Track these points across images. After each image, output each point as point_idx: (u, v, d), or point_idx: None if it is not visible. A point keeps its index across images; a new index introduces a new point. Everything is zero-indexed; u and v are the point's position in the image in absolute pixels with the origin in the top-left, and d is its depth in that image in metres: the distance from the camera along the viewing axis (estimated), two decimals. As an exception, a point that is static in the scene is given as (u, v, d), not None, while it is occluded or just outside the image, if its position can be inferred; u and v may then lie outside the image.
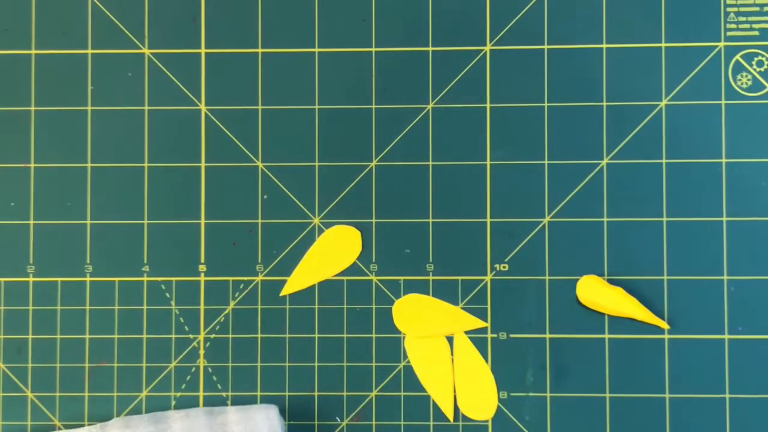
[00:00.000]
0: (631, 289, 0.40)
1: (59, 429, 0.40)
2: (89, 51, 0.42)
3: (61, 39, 0.42)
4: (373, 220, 0.41)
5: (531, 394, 0.40)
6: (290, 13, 0.41)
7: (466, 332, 0.40)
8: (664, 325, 0.39)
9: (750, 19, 0.41)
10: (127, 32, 0.42)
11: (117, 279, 0.41)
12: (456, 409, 0.40)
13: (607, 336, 0.40)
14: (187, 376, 0.41)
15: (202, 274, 0.41)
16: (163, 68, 0.41)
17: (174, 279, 0.41)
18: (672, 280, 0.40)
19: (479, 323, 0.40)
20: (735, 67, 0.41)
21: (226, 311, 0.41)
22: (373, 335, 0.41)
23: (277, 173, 0.41)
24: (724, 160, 0.40)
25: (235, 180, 0.41)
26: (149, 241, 0.41)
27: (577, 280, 0.40)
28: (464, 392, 0.40)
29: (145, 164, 0.41)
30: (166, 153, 0.41)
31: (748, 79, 0.40)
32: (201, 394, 0.41)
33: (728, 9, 0.41)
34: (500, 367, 0.40)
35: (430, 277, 0.41)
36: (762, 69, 0.40)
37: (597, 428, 0.40)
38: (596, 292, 0.39)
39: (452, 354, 0.40)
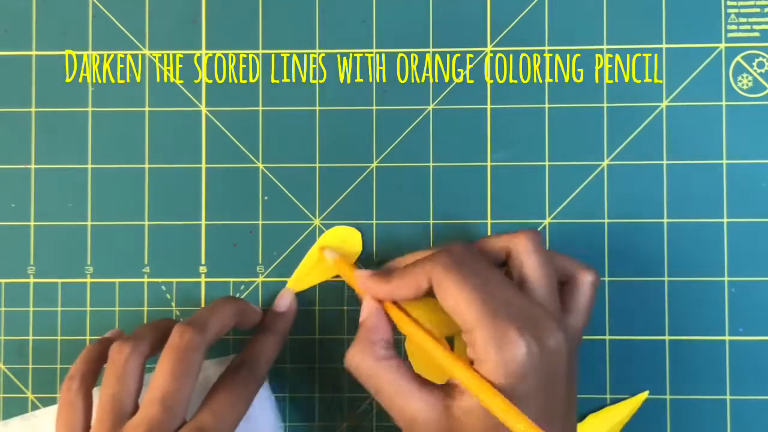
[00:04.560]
0: (632, 290, 0.40)
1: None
2: (89, 52, 0.41)
3: (61, 40, 0.42)
4: (374, 222, 0.41)
5: (531, 395, 0.40)
6: (291, 14, 0.41)
7: (467, 333, 0.40)
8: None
9: (750, 20, 0.41)
10: (127, 33, 0.42)
11: (117, 280, 0.41)
12: (456, 410, 0.40)
13: (607, 337, 0.40)
14: (188, 377, 0.41)
15: (203, 275, 0.41)
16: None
17: (174, 280, 0.41)
18: (673, 281, 0.40)
19: (480, 324, 0.40)
20: (736, 69, 0.40)
21: (227, 312, 0.41)
22: (374, 336, 0.40)
23: (277, 174, 0.41)
24: (724, 161, 0.40)
25: (236, 181, 0.41)
26: (150, 243, 0.41)
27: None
28: (465, 393, 0.40)
29: (146, 165, 0.41)
30: (167, 154, 0.41)
31: (749, 81, 0.40)
32: (202, 395, 0.41)
33: (729, 10, 0.41)
34: (501, 368, 0.40)
35: (431, 279, 0.40)
36: (762, 70, 0.40)
37: (597, 429, 0.40)
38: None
39: (453, 355, 0.40)
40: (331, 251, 0.39)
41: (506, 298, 0.31)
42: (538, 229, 0.40)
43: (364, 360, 0.33)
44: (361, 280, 0.35)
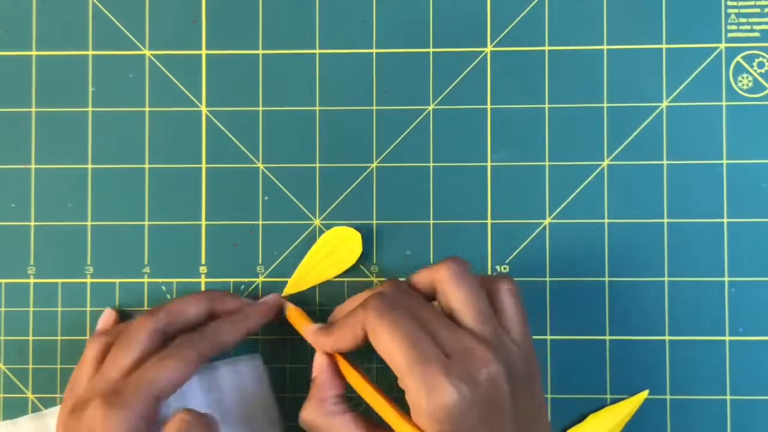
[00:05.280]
0: (632, 290, 0.40)
1: None
2: (90, 52, 0.42)
3: (61, 40, 0.42)
4: (374, 222, 0.41)
5: (531, 395, 0.40)
6: (291, 15, 0.41)
7: (467, 333, 0.40)
8: None
9: (751, 20, 0.41)
10: (127, 33, 0.42)
11: (118, 280, 0.41)
12: (457, 410, 0.40)
13: (608, 338, 0.40)
14: (188, 377, 0.41)
15: (203, 276, 0.41)
16: (164, 69, 0.41)
17: (175, 280, 0.41)
18: (673, 281, 0.40)
19: (480, 324, 0.40)
20: (736, 69, 0.41)
21: (227, 312, 0.41)
22: (374, 336, 0.40)
23: (277, 174, 0.41)
24: (725, 162, 0.40)
25: (236, 181, 0.41)
26: (150, 243, 0.41)
27: (580, 281, 0.40)
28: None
29: (146, 165, 0.41)
30: (167, 154, 0.41)
31: (749, 81, 0.40)
32: (202, 395, 0.41)
33: (729, 11, 0.41)
34: (501, 368, 0.40)
35: (431, 279, 0.40)
36: (763, 70, 0.40)
37: (597, 429, 0.40)
38: None
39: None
40: (289, 303, 0.39)
41: (437, 337, 0.32)
42: (539, 228, 0.40)
43: (317, 416, 0.34)
44: (308, 336, 0.36)
